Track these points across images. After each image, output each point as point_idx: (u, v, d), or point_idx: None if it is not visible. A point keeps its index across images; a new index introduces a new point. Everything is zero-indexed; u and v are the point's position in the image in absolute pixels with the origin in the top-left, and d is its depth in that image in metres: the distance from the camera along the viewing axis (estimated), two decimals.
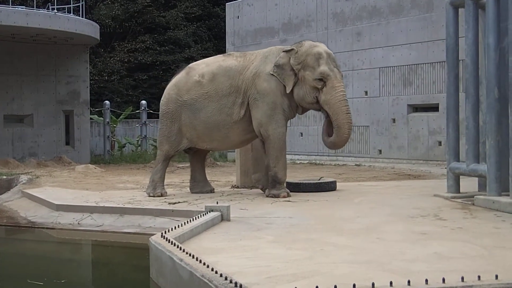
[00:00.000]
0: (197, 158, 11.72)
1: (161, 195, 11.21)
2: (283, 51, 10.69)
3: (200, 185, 11.64)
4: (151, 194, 11.29)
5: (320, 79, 10.40)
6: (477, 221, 8.01)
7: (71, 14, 21.53)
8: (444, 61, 11.29)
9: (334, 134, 10.50)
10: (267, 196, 10.61)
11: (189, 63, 11.83)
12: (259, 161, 12.29)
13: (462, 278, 4.78)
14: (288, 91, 10.55)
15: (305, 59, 10.54)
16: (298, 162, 19.88)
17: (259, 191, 11.46)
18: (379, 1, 19.73)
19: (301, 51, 10.62)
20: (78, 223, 10.33)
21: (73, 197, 11.83)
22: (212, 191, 11.64)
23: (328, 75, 10.38)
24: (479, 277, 4.84)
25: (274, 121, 10.59)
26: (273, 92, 10.63)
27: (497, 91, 9.20)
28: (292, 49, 10.68)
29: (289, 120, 11.04)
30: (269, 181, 10.75)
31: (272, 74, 10.60)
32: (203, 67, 11.22)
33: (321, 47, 10.70)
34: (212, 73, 10.99)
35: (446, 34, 10.60)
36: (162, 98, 11.66)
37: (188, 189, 12.04)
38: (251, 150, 12.31)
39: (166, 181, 14.54)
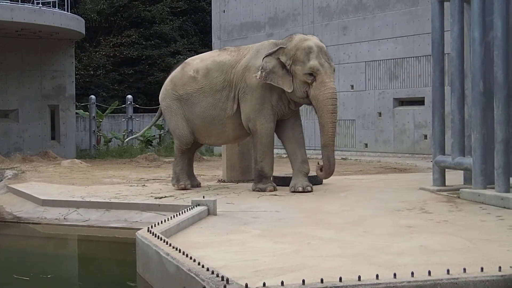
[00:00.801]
0: (187, 152, 11.67)
1: (185, 188, 11.17)
2: (265, 56, 10.39)
3: (189, 180, 11.58)
4: (175, 187, 11.32)
5: (310, 74, 10.19)
6: (463, 214, 8.05)
7: (56, 8, 21.38)
8: (430, 55, 11.31)
9: (320, 133, 10.42)
10: (253, 190, 10.59)
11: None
12: (245, 156, 12.32)
13: (448, 271, 4.80)
14: (290, 91, 10.33)
15: (295, 53, 10.33)
16: (285, 156, 19.88)
17: (246, 185, 11.46)
18: None
19: (290, 46, 10.41)
20: (64, 218, 10.30)
21: (59, 192, 11.79)
22: (198, 185, 11.61)
23: (318, 70, 10.16)
24: (464, 269, 4.86)
25: (262, 116, 10.50)
26: (262, 87, 10.49)
27: (482, 85, 9.23)
28: (279, 49, 10.39)
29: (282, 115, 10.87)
30: (255, 175, 10.72)
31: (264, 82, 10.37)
32: (198, 62, 11.21)
33: (312, 41, 10.46)
34: (206, 68, 10.96)
35: (432, 28, 10.63)
36: (160, 94, 11.68)
37: None
38: (237, 144, 12.32)
39: (152, 175, 14.55)
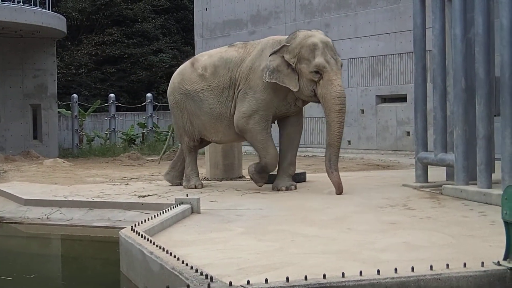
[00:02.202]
0: (195, 150, 11.50)
1: (195, 187, 11.00)
2: (271, 54, 10.10)
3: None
4: (185, 186, 11.13)
5: (316, 72, 9.86)
6: (445, 210, 8.09)
7: (38, 7, 21.26)
8: (412, 52, 11.36)
9: (326, 131, 10.13)
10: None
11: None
12: (228, 154, 12.30)
13: (431, 267, 4.82)
14: (296, 90, 10.04)
15: (299, 51, 10.02)
16: None
17: (230, 182, 11.46)
18: None
19: (294, 43, 10.09)
20: (47, 218, 10.25)
21: (42, 192, 11.74)
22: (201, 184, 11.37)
23: (325, 67, 9.83)
24: (447, 265, 4.89)
25: (258, 116, 10.27)
26: (265, 90, 10.24)
27: (464, 82, 9.28)
28: (283, 46, 10.10)
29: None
30: (257, 170, 10.54)
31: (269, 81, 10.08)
32: (206, 58, 11.05)
33: (317, 37, 10.10)
34: (214, 65, 10.79)
35: (414, 25, 10.67)
36: (168, 89, 11.60)
37: (158, 182, 11.97)
38: None
39: (135, 174, 14.52)
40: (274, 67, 10.05)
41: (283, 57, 10.07)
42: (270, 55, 10.14)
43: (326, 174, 9.96)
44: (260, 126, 10.31)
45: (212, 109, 10.74)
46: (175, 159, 11.73)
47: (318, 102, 10.16)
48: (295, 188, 10.34)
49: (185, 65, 11.33)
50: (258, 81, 10.28)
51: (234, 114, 10.57)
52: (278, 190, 10.28)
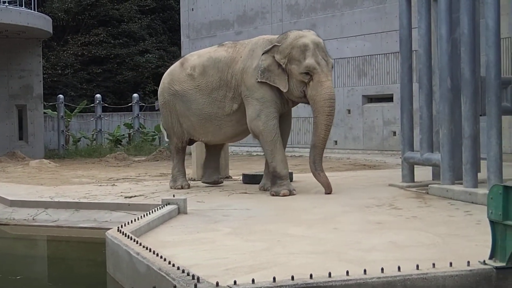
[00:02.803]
0: (211, 146, 11.44)
1: (182, 188, 10.99)
2: (263, 53, 10.02)
3: (207, 173, 11.45)
4: (172, 187, 11.11)
5: (306, 73, 9.73)
6: (432, 210, 8.11)
7: (23, 7, 21.19)
8: (398, 52, 11.39)
9: (313, 132, 10.04)
10: (271, 195, 9.91)
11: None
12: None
13: (417, 266, 4.83)
14: (285, 90, 9.93)
15: (290, 52, 9.89)
16: (255, 154, 19.89)
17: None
18: None
19: (285, 44, 9.96)
20: (33, 219, 10.20)
21: (28, 193, 11.68)
22: (218, 181, 11.36)
23: (315, 69, 9.70)
24: (433, 264, 4.90)
25: (264, 115, 10.04)
26: (260, 86, 10.07)
27: (449, 81, 9.32)
28: (274, 46, 10.00)
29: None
30: (270, 178, 10.14)
31: (260, 81, 10.00)
32: (195, 58, 10.98)
33: (308, 38, 9.96)
34: (203, 65, 10.70)
35: (400, 25, 10.70)
36: (158, 89, 11.56)
37: (144, 182, 11.95)
38: None
39: (121, 175, 14.49)
40: (265, 67, 9.98)
41: (274, 57, 9.99)
42: (262, 54, 10.05)
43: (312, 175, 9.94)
44: (269, 126, 10.04)
45: (201, 110, 10.67)
46: (204, 161, 11.62)
47: (308, 103, 10.04)
48: (292, 193, 9.91)
49: (175, 65, 11.29)
50: (252, 80, 10.16)
51: (228, 114, 10.48)
52: (265, 190, 10.23)
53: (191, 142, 11.44)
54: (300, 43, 9.88)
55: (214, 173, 11.42)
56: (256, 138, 10.39)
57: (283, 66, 9.94)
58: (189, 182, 11.32)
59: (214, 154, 11.48)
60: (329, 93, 9.75)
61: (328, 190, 9.72)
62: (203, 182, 11.42)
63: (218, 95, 10.53)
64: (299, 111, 18.14)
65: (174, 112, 11.05)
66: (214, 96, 10.55)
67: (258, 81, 10.03)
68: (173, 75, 11.11)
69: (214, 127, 10.69)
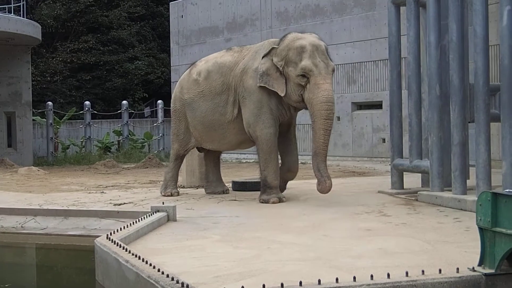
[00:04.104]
0: (210, 157, 11.26)
1: (171, 195, 10.83)
2: (262, 57, 9.71)
3: (213, 185, 11.16)
4: (162, 194, 10.97)
5: (303, 75, 9.34)
6: (421, 217, 8.13)
7: (12, 14, 21.17)
8: (387, 59, 11.43)
9: (312, 140, 9.67)
10: (259, 201, 9.83)
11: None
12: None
13: (407, 273, 4.84)
14: (283, 95, 9.57)
15: (287, 54, 9.54)
16: (244, 161, 19.90)
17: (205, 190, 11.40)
18: (322, 0, 19.86)
19: (282, 46, 9.63)
20: (22, 227, 10.15)
21: (16, 200, 11.63)
22: (225, 191, 11.08)
23: (311, 71, 9.28)
24: (423, 271, 4.91)
25: (261, 121, 9.75)
26: (259, 90, 9.75)
27: (438, 88, 9.35)
28: (272, 49, 9.68)
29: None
30: (261, 185, 9.98)
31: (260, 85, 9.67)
32: (202, 64, 10.74)
33: (306, 39, 9.57)
34: (207, 70, 10.46)
35: (389, 32, 10.74)
36: (172, 96, 11.41)
37: (133, 190, 11.91)
38: (197, 149, 12.27)
39: (110, 182, 14.46)
40: (263, 71, 9.66)
41: (272, 60, 9.67)
42: (262, 58, 9.77)
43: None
44: (266, 134, 9.76)
45: (205, 117, 10.43)
46: (205, 169, 11.42)
47: (307, 108, 9.68)
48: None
49: (184, 74, 11.12)
50: (250, 81, 9.86)
51: (230, 120, 10.20)
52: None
53: (201, 149, 11.24)
54: (297, 44, 9.53)
55: (219, 185, 11.16)
56: (255, 141, 10.06)
57: (281, 69, 9.60)
58: (178, 189, 11.25)
59: (216, 163, 11.26)
60: (326, 95, 9.27)
61: (319, 190, 9.38)
62: (208, 193, 11.12)
63: (220, 100, 10.23)
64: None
65: (184, 120, 10.84)
66: (216, 102, 10.27)
67: (258, 85, 9.73)
68: (182, 84, 10.94)
69: (219, 135, 10.43)
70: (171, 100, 11.36)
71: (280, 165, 10.07)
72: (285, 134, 10.16)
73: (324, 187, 9.31)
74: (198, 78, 10.57)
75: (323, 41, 9.79)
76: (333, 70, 9.57)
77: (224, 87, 10.21)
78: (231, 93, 10.18)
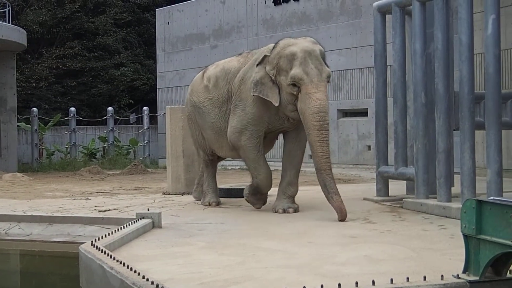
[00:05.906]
0: (211, 165, 10.88)
1: (209, 205, 10.31)
2: (257, 65, 9.18)
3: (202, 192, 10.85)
4: (202, 203, 10.49)
5: (294, 84, 8.76)
6: (406, 224, 8.14)
7: None
8: (373, 67, 11.45)
9: (311, 153, 9.06)
10: (245, 198, 9.77)
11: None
12: (190, 168, 12.25)
13: (392, 280, 4.85)
14: (276, 105, 9.00)
15: (278, 62, 8.96)
16: (230, 168, 19.89)
17: (191, 197, 11.39)
18: (308, 8, 19.92)
19: (273, 53, 9.06)
20: (6, 233, 10.09)
21: (0, 206, 11.56)
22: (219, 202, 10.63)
23: (301, 79, 8.68)
24: (407, 278, 4.92)
25: (249, 131, 9.36)
26: (254, 102, 9.27)
27: (423, 96, 9.38)
28: (265, 57, 9.12)
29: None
30: (252, 186, 9.72)
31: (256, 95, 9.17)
32: (212, 69, 10.33)
33: (298, 45, 8.95)
34: (216, 77, 10.04)
35: (374, 40, 10.77)
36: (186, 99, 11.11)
37: (118, 196, 11.87)
38: (182, 156, 12.27)
39: (95, 188, 14.40)
40: (257, 80, 9.08)
41: (266, 68, 9.12)
42: (256, 66, 9.23)
43: None
44: (252, 143, 9.40)
45: (214, 123, 10.05)
46: (199, 176, 11.12)
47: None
48: (294, 211, 9.32)
49: (197, 75, 10.78)
50: (248, 93, 9.33)
51: None
52: (276, 212, 9.40)
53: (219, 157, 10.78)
54: (287, 52, 8.92)
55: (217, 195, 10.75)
56: (234, 148, 9.74)
57: (273, 78, 9.03)
58: (219, 199, 10.61)
59: (214, 172, 10.89)
60: (318, 105, 8.61)
61: (341, 217, 8.48)
62: (195, 197, 11.01)
63: (226, 108, 9.83)
64: None
65: (196, 124, 10.55)
66: (223, 110, 9.88)
67: (252, 95, 9.20)
68: (193, 86, 10.64)
69: (227, 143, 9.89)
70: (185, 104, 11.11)
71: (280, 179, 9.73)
72: (291, 143, 9.65)
73: (336, 205, 8.67)
74: (208, 84, 10.18)
75: (319, 45, 9.17)
76: (329, 76, 8.97)
77: (229, 95, 9.81)
78: (231, 100, 9.84)
